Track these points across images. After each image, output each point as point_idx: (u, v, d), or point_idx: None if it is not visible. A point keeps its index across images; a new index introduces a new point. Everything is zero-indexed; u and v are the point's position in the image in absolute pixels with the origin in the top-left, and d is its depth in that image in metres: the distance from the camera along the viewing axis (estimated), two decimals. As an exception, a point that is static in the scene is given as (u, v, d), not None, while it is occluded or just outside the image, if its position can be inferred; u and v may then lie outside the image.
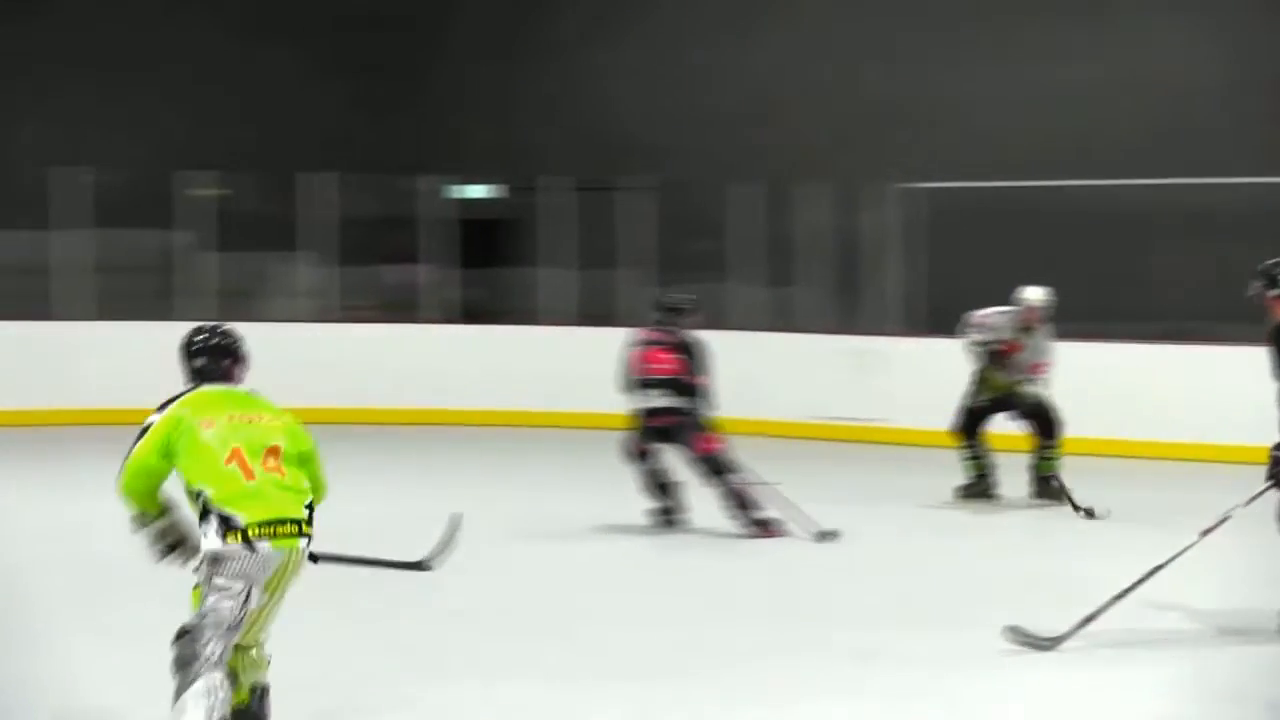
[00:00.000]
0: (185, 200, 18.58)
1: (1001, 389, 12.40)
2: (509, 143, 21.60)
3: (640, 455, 11.03)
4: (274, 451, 6.03)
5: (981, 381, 12.49)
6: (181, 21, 21.42)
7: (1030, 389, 12.33)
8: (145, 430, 6.05)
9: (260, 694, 6.19)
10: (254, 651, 6.16)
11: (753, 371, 16.04)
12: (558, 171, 18.93)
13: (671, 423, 10.87)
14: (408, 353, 17.97)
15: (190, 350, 6.28)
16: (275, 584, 5.98)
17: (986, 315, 12.50)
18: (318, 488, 6.17)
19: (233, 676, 6.00)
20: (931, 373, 14.45)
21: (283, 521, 5.94)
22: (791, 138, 19.69)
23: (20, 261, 18.54)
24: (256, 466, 5.96)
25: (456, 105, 22.48)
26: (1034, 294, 12.42)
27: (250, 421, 6.07)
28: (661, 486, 11.11)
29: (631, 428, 11.07)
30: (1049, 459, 12.33)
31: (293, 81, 21.97)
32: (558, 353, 17.33)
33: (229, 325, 6.40)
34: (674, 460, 11.17)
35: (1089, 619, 7.96)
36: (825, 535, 10.68)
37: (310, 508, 6.06)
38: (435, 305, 18.67)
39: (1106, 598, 8.01)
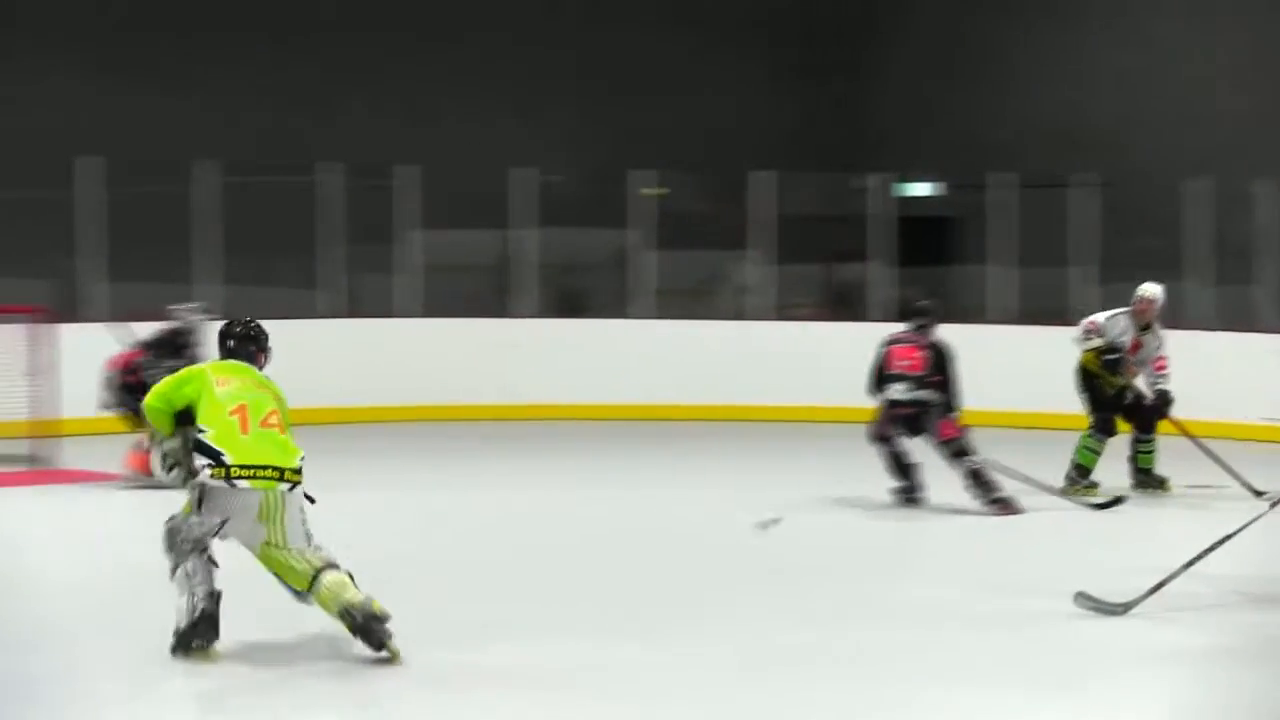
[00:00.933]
0: (634, 200, 18.99)
1: (1118, 386, 12.54)
2: (956, 140, 21.48)
3: (883, 439, 11.88)
4: (274, 414, 7.40)
5: (1094, 378, 12.58)
6: (636, 23, 21.90)
7: (1148, 385, 12.52)
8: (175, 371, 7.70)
9: (357, 612, 7.18)
10: (323, 584, 7.24)
11: (1204, 371, 15.59)
12: (1005, 168, 18.72)
13: (914, 413, 11.77)
14: (850, 351, 17.96)
15: (224, 335, 7.70)
16: (269, 517, 7.25)
17: (1103, 320, 12.58)
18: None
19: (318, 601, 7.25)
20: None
21: (264, 467, 7.25)
22: (1244, 134, 19.11)
23: (480, 261, 19.23)
24: (254, 424, 7.31)
25: (903, 104, 22.47)
26: (1151, 290, 12.56)
27: (259, 390, 7.43)
28: (902, 467, 11.91)
29: (876, 416, 11.94)
30: (1148, 452, 12.61)
31: (743, 81, 22.27)
32: (1000, 351, 17.12)
33: (257, 321, 7.75)
34: (915, 444, 11.91)
35: (1159, 586, 8.25)
36: (1104, 505, 11.74)
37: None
38: (878, 303, 18.65)
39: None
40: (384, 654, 7.20)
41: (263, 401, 7.38)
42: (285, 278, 17.98)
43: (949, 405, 11.73)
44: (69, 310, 15.79)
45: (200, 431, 7.28)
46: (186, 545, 7.26)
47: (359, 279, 18.41)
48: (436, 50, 21.23)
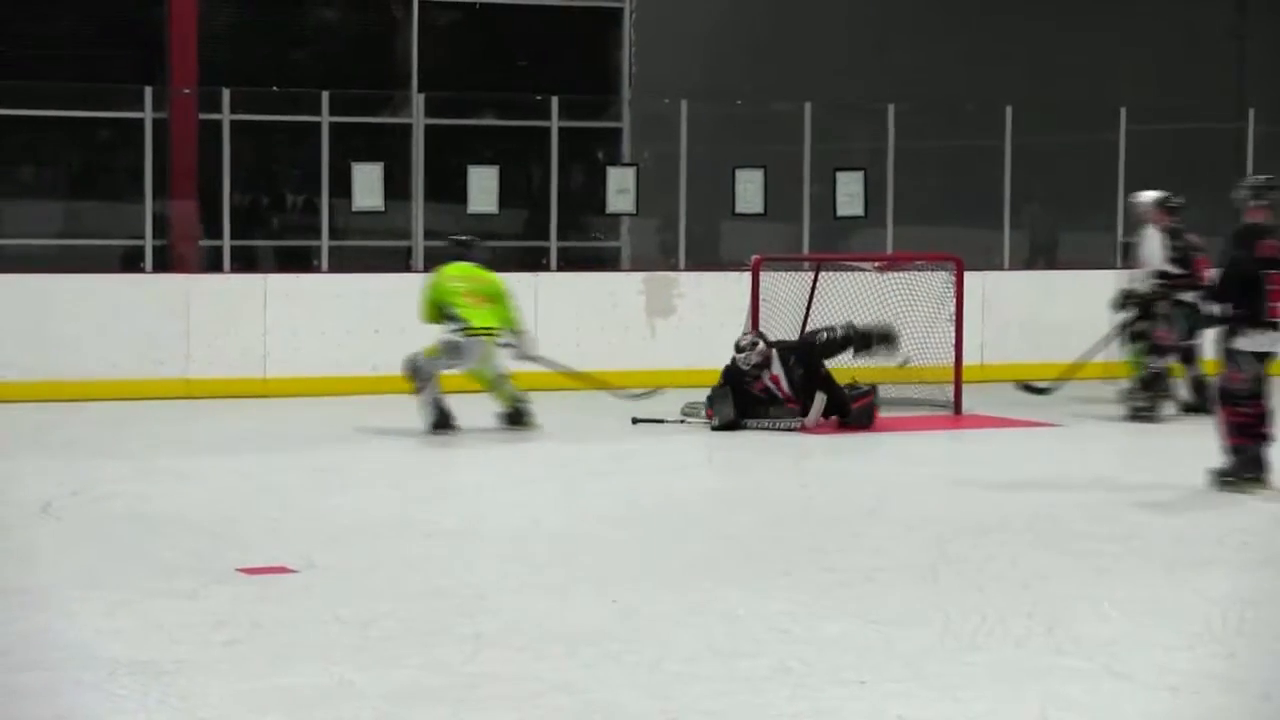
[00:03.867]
0: None
1: None
2: None
3: None
4: (487, 297, 13.00)
5: None
6: None
7: None
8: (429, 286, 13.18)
9: (517, 401, 13.09)
10: (500, 388, 13.04)
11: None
12: None
13: None
14: None
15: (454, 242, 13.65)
16: (484, 360, 12.92)
17: None
18: (508, 318, 13.08)
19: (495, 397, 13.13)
20: None
21: (482, 328, 12.85)
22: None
23: None
24: (476, 303, 12.92)
25: None
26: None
27: (475, 281, 13.05)
28: None
29: None
30: None
31: None
32: None
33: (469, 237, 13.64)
34: None
35: None
36: None
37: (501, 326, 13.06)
38: None
39: None
40: (525, 430, 12.89)
41: (477, 288, 12.97)
42: None
43: None
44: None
45: (452, 311, 12.83)
46: (427, 374, 12.76)
47: None
48: None
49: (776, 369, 13.09)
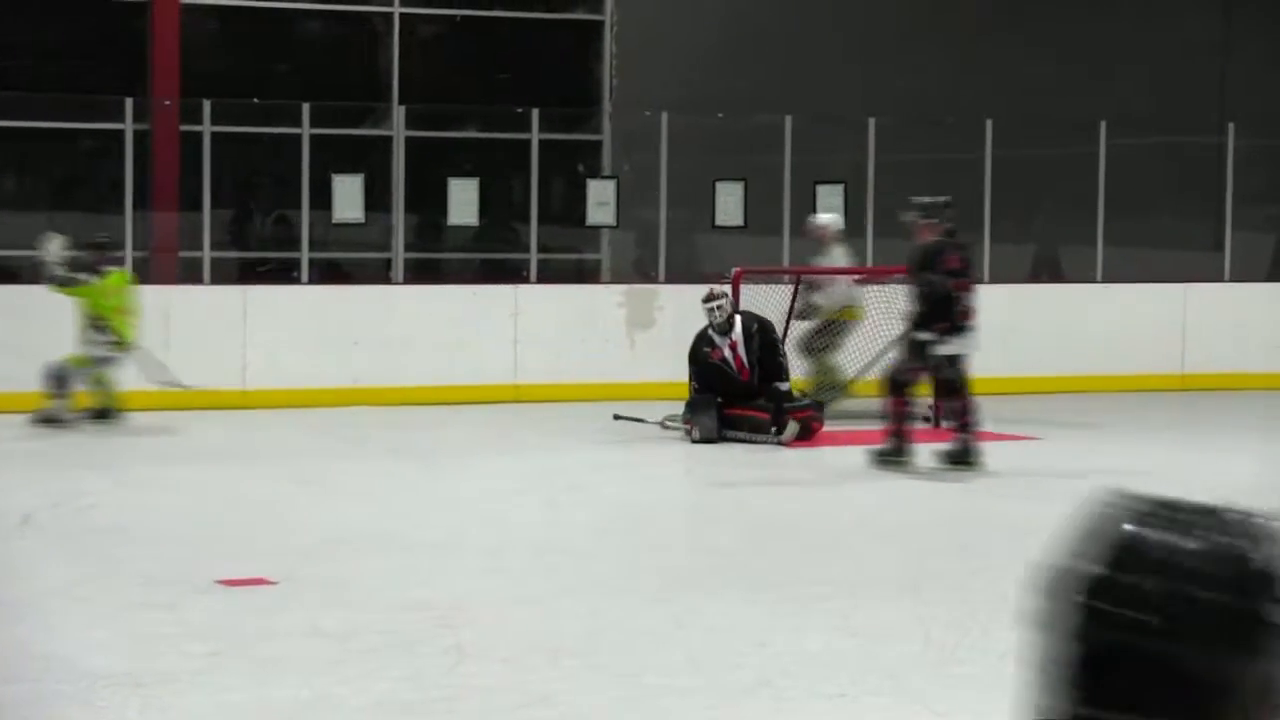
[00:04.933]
0: None
1: None
2: None
3: None
4: (130, 309, 13.35)
5: None
6: None
7: None
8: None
9: (111, 402, 13.40)
10: (102, 386, 13.32)
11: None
12: None
13: None
14: None
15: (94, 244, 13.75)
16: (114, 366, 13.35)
17: None
18: (136, 325, 13.44)
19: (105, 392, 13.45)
20: None
21: (129, 343, 13.22)
22: None
23: None
24: (125, 317, 13.28)
25: None
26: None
27: (125, 293, 13.40)
28: None
29: None
30: None
31: None
32: None
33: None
34: None
35: None
36: None
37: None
38: None
39: None
40: (106, 422, 13.27)
41: (126, 301, 13.42)
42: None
43: None
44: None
45: (101, 319, 13.21)
46: (70, 386, 13.11)
47: None
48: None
49: (737, 334, 13.15)
